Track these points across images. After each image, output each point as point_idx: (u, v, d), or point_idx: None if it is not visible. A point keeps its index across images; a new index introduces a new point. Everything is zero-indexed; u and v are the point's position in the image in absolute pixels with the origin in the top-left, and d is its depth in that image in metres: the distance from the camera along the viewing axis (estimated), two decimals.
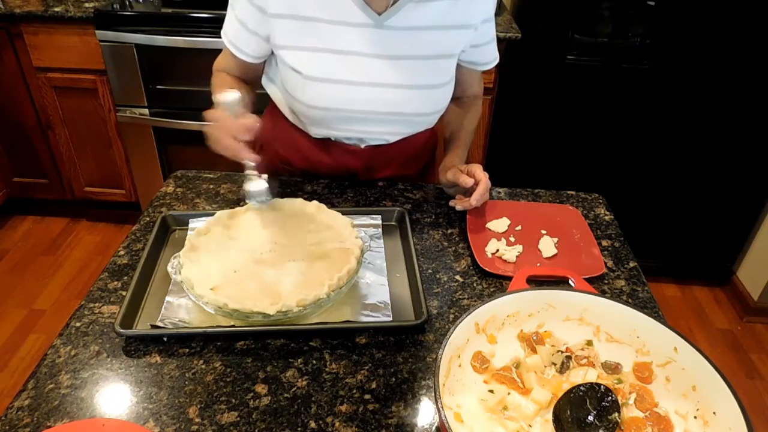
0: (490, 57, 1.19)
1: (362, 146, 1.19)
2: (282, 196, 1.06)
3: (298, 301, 0.82)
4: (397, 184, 1.23)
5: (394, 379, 0.79)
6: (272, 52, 1.11)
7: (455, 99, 1.23)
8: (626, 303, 0.80)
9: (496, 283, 0.98)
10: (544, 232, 1.10)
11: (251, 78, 1.18)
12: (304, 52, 1.04)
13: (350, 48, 1.03)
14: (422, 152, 1.29)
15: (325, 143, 1.19)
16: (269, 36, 1.05)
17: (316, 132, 1.17)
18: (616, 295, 0.96)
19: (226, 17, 1.10)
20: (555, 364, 0.78)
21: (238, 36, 1.08)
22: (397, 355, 0.83)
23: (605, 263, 1.03)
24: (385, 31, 1.03)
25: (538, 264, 1.02)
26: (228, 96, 0.96)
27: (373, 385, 0.78)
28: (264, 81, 1.21)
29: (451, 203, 1.13)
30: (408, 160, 1.26)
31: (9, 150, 2.50)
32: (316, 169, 1.23)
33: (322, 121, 1.12)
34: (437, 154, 1.33)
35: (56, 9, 2.10)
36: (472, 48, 1.13)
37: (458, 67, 1.16)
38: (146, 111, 2.27)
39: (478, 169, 1.09)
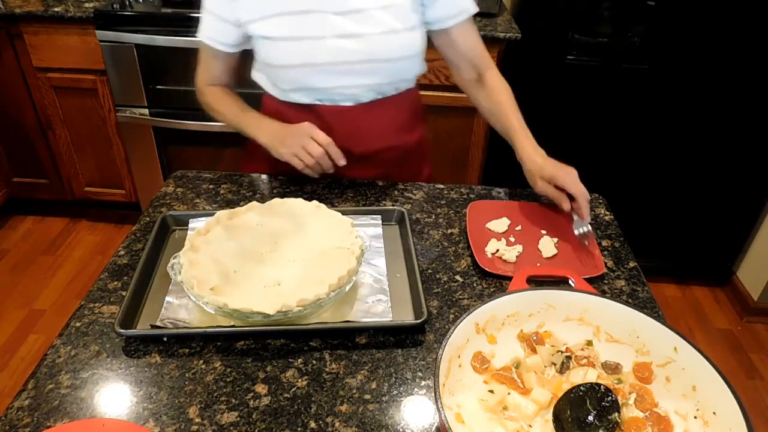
0: (456, 8, 1.15)
1: (345, 104, 1.19)
2: (282, 196, 1.06)
3: (298, 301, 0.82)
4: (398, 184, 1.23)
5: (394, 379, 0.79)
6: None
7: (472, 81, 1.25)
8: (626, 303, 0.80)
9: (496, 283, 0.98)
10: (544, 232, 1.10)
11: (235, 79, 1.26)
12: (269, 18, 1.11)
13: (310, 7, 1.10)
14: (408, 124, 1.29)
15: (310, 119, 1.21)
16: (238, 19, 1.12)
17: (297, 97, 1.20)
18: (616, 295, 0.96)
19: (200, 20, 1.17)
20: (555, 364, 0.78)
21: (216, 29, 1.16)
22: (397, 355, 0.83)
23: (605, 263, 1.03)
24: None
25: (538, 264, 1.02)
26: None
27: (373, 385, 0.78)
28: (252, 74, 1.26)
29: (574, 230, 1.08)
30: (394, 130, 1.26)
31: (9, 150, 2.50)
32: None
33: (298, 80, 1.17)
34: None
35: (56, 9, 2.10)
36: (431, 1, 1.14)
37: (438, 34, 1.19)
38: (146, 111, 2.27)
39: (568, 182, 1.06)
